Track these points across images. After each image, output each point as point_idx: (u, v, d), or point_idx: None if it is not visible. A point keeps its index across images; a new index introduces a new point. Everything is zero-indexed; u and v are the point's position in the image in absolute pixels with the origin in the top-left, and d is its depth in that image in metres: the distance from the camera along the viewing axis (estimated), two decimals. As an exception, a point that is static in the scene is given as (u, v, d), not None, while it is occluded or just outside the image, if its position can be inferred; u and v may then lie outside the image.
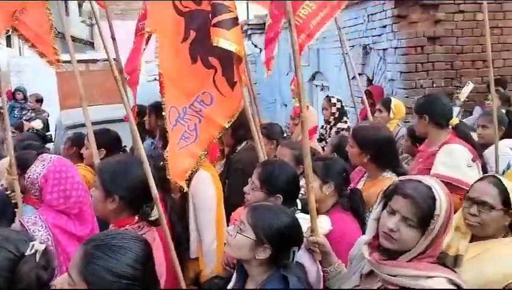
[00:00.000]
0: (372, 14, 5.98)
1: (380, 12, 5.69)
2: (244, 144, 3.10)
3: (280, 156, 2.74)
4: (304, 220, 1.96)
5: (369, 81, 6.31)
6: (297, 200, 2.15)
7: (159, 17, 2.56)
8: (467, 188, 2.50)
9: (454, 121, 2.83)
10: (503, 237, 1.81)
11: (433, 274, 1.41)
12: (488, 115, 3.60)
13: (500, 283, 1.63)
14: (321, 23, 3.48)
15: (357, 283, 1.63)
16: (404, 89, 5.30)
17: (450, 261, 1.85)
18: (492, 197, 1.80)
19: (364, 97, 4.23)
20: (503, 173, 3.10)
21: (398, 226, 1.45)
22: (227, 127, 2.52)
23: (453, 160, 2.66)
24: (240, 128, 2.81)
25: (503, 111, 3.87)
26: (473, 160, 2.71)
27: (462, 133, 2.81)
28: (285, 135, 4.48)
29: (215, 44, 2.24)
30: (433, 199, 1.43)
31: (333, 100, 4.75)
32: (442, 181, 2.55)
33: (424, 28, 5.16)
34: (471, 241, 1.85)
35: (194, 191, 2.56)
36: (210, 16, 2.30)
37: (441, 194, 1.44)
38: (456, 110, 4.73)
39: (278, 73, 10.16)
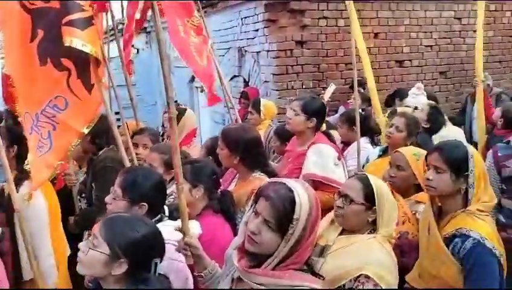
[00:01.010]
0: (245, 18, 6.11)
1: (253, 16, 5.84)
2: (105, 149, 2.95)
3: (149, 161, 2.64)
4: (171, 227, 1.90)
5: (246, 83, 6.45)
6: (165, 207, 2.09)
7: (5, 15, 2.30)
8: (337, 186, 2.63)
9: (324, 126, 3.00)
10: (369, 233, 1.87)
11: (297, 283, 1.42)
12: (342, 116, 3.92)
13: (353, 275, 1.70)
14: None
15: (229, 286, 1.61)
16: (277, 90, 5.51)
17: (317, 251, 1.92)
18: (355, 191, 1.87)
19: None
20: (363, 166, 3.38)
21: (259, 228, 1.43)
22: (85, 132, 2.34)
23: (322, 159, 2.78)
24: (101, 135, 2.64)
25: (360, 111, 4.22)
26: (338, 158, 2.88)
27: (327, 134, 3.00)
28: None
29: (67, 44, 2.06)
30: (293, 202, 1.41)
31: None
32: (314, 180, 2.73)
33: (292, 33, 5.41)
34: (341, 234, 1.91)
35: (22, 205, 2.29)
36: (60, 14, 2.11)
37: (302, 198, 1.43)
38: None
39: (159, 74, 9.89)
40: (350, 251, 1.80)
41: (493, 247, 1.82)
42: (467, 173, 1.91)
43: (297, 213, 1.41)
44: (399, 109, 4.13)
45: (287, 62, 5.45)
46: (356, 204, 1.85)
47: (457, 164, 1.92)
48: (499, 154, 2.88)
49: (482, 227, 1.85)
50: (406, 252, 2.16)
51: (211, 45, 4.09)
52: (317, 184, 2.73)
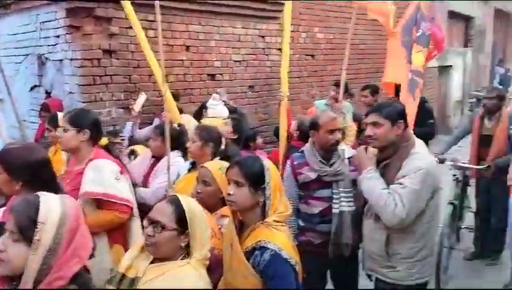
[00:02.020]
0: (44, 22, 5.50)
1: (53, 21, 5.29)
2: None
3: None
4: None
5: (48, 94, 5.80)
6: None
7: None
8: (120, 202, 2.62)
9: (104, 141, 2.86)
10: (182, 258, 1.78)
11: None
12: (156, 128, 3.81)
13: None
14: None
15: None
16: (83, 102, 5.06)
17: (127, 283, 1.75)
18: (166, 216, 1.76)
19: None
20: (174, 182, 3.30)
21: (5, 244, 1.31)
22: None
23: (101, 175, 2.63)
24: None
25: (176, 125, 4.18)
26: (121, 172, 2.76)
27: (107, 149, 2.86)
28: None
29: None
30: (36, 207, 1.33)
31: None
32: (99, 199, 2.55)
33: (99, 41, 5.06)
34: (152, 262, 1.79)
35: None
36: None
37: (51, 202, 1.35)
38: (129, 124, 4.85)
39: None
40: (163, 281, 1.69)
41: (289, 257, 1.91)
42: (263, 186, 1.97)
43: (42, 217, 1.31)
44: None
45: (94, 72, 5.07)
46: (168, 230, 1.75)
47: (255, 178, 1.97)
48: (295, 163, 3.12)
49: (278, 238, 1.92)
50: (212, 268, 2.13)
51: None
52: (101, 203, 2.61)
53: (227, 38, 6.31)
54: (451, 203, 4.84)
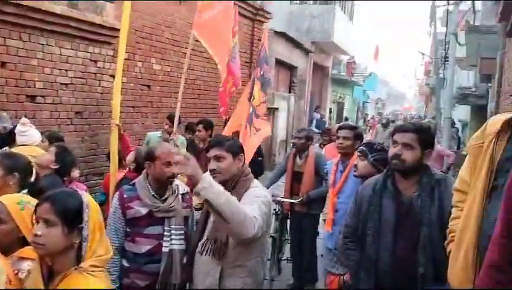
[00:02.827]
0: None
1: None
2: None
3: None
4: None
5: None
6: None
7: None
8: None
9: None
10: None
11: None
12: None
13: None
14: None
15: None
16: None
17: None
18: None
19: None
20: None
21: None
22: None
23: None
24: None
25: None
26: None
27: None
28: None
29: None
30: None
31: None
32: None
33: None
34: None
35: None
36: None
37: None
38: None
39: None
40: None
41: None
42: (81, 225, 1.72)
43: None
44: None
45: None
46: None
47: (71, 216, 1.71)
48: (125, 196, 2.90)
49: (94, 285, 1.68)
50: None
51: None
52: None
53: (52, 59, 5.71)
54: (271, 236, 5.12)
